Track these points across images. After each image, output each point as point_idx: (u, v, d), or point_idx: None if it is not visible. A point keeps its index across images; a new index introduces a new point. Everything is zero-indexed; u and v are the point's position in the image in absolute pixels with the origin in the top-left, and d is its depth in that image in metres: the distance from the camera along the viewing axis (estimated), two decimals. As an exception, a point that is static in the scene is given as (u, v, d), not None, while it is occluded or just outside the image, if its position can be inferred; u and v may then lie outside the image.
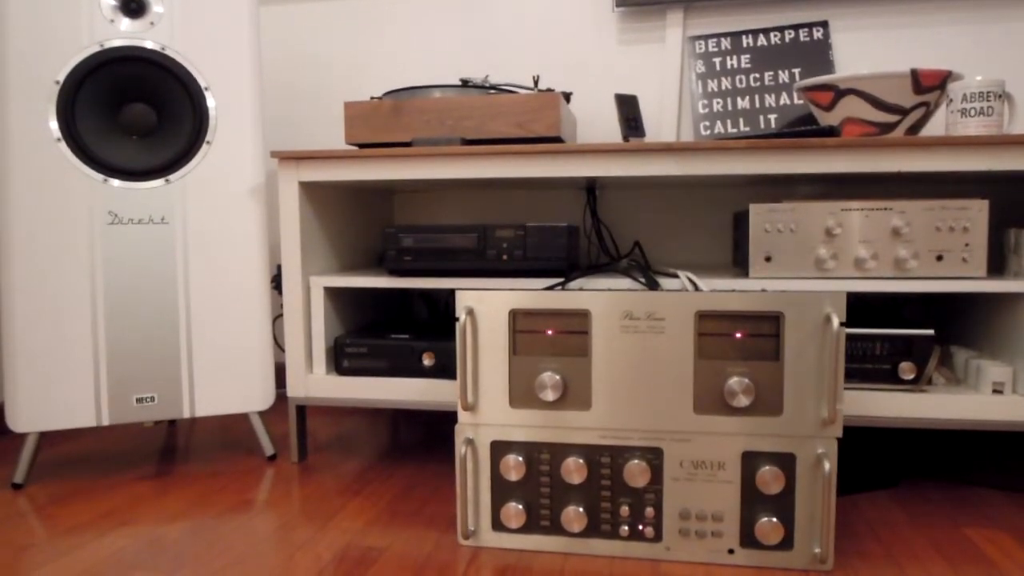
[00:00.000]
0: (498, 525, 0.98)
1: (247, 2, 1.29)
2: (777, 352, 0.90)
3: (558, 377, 0.95)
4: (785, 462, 0.91)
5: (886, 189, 1.52)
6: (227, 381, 1.30)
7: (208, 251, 1.28)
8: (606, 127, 1.64)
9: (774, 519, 0.90)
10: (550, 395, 0.95)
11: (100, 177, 1.22)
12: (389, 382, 1.27)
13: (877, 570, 0.90)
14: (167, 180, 1.25)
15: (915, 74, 1.21)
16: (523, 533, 0.97)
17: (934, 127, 1.50)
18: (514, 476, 0.96)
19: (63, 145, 1.20)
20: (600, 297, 0.93)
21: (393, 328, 1.40)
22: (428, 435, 1.52)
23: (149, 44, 1.22)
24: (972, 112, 1.15)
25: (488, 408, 0.97)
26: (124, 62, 1.22)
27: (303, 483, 1.23)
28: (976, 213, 1.11)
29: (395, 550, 0.97)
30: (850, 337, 1.12)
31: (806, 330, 0.90)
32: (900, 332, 1.11)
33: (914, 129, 1.27)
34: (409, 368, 1.28)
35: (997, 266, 1.28)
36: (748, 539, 0.92)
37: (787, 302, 0.90)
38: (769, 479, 0.90)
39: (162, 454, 1.40)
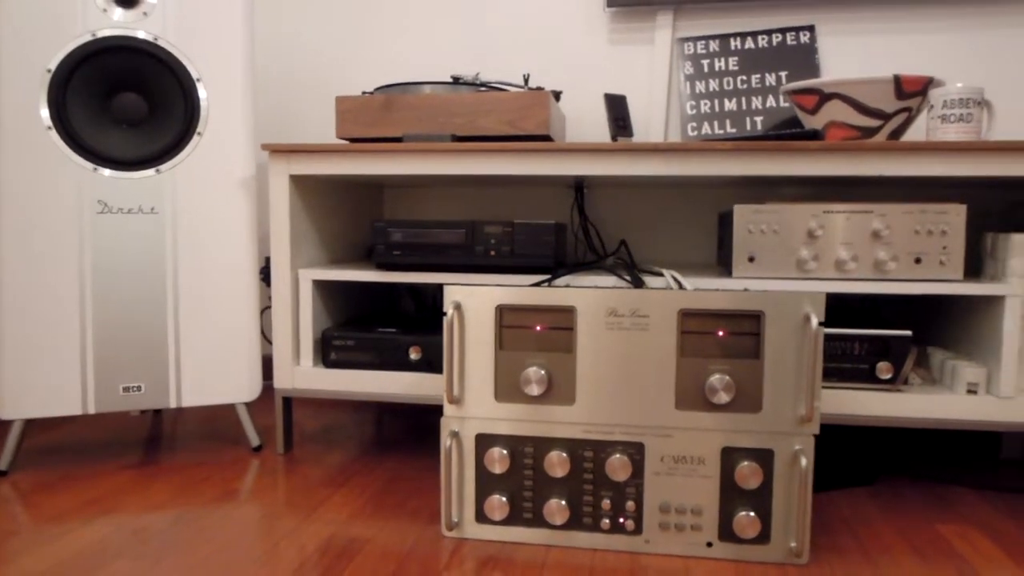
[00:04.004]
0: (482, 517, 0.99)
1: (239, -6, 1.30)
2: (758, 350, 0.92)
3: (543, 372, 0.96)
4: (763, 458, 0.93)
5: (868, 192, 1.54)
6: (214, 372, 1.31)
7: (197, 242, 1.29)
8: (595, 126, 1.66)
9: (752, 513, 0.92)
10: (535, 390, 0.96)
11: (90, 166, 1.22)
12: (376, 375, 1.28)
13: (851, 565, 0.92)
14: (157, 170, 1.26)
15: (898, 80, 1.23)
16: (506, 525, 0.99)
17: (915, 132, 1.52)
18: (498, 469, 0.97)
19: (53, 133, 1.20)
20: (586, 294, 0.95)
21: (380, 322, 1.41)
22: (413, 429, 1.53)
23: (141, 34, 1.23)
24: (952, 118, 1.18)
25: (474, 402, 0.99)
26: (116, 52, 1.22)
27: (288, 474, 1.24)
28: (954, 217, 1.13)
29: (379, 541, 0.98)
30: (829, 337, 1.14)
31: (786, 329, 0.92)
32: (878, 333, 1.14)
33: (896, 134, 1.29)
34: (396, 362, 1.28)
35: (974, 269, 1.30)
36: (726, 533, 0.94)
37: (768, 302, 0.92)
38: (747, 474, 0.92)
39: (148, 444, 1.40)
